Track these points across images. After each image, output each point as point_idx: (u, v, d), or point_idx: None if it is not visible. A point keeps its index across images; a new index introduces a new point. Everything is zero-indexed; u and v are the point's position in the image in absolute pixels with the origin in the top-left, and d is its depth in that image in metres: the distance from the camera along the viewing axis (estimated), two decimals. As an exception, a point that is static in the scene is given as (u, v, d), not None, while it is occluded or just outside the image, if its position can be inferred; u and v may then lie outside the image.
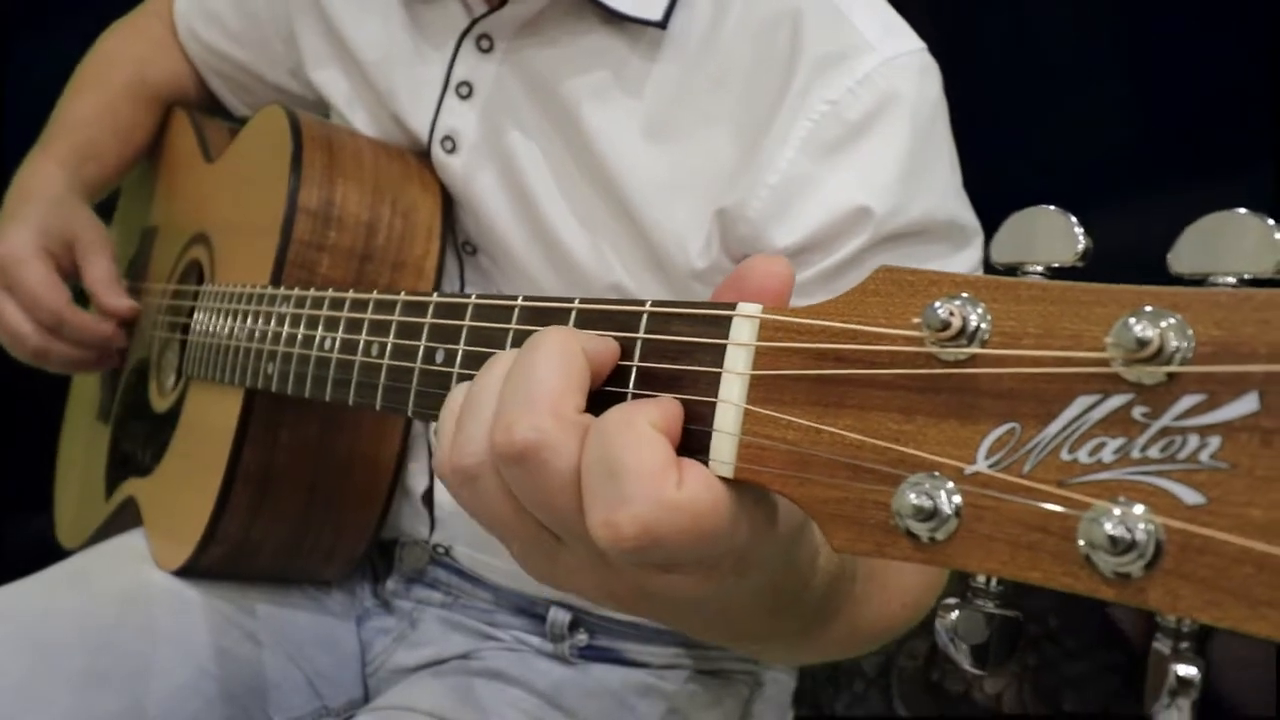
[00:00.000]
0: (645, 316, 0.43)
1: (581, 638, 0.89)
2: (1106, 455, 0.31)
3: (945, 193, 0.77)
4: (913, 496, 0.33)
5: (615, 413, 0.39)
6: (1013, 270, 0.35)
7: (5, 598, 0.84)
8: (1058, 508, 0.31)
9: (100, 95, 1.07)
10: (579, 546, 0.41)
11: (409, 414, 0.57)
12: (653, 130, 0.79)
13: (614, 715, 0.88)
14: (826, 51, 0.74)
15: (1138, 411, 0.30)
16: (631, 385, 0.43)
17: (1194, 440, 0.29)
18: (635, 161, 0.79)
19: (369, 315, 0.62)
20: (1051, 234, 0.35)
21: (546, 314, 0.47)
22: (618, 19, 0.78)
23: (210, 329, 0.84)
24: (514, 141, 0.84)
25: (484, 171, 0.85)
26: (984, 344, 0.34)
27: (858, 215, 0.73)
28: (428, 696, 0.85)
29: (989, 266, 0.38)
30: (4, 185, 1.02)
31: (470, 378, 0.44)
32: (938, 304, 0.34)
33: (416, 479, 0.90)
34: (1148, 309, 0.31)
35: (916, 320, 0.35)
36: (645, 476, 0.37)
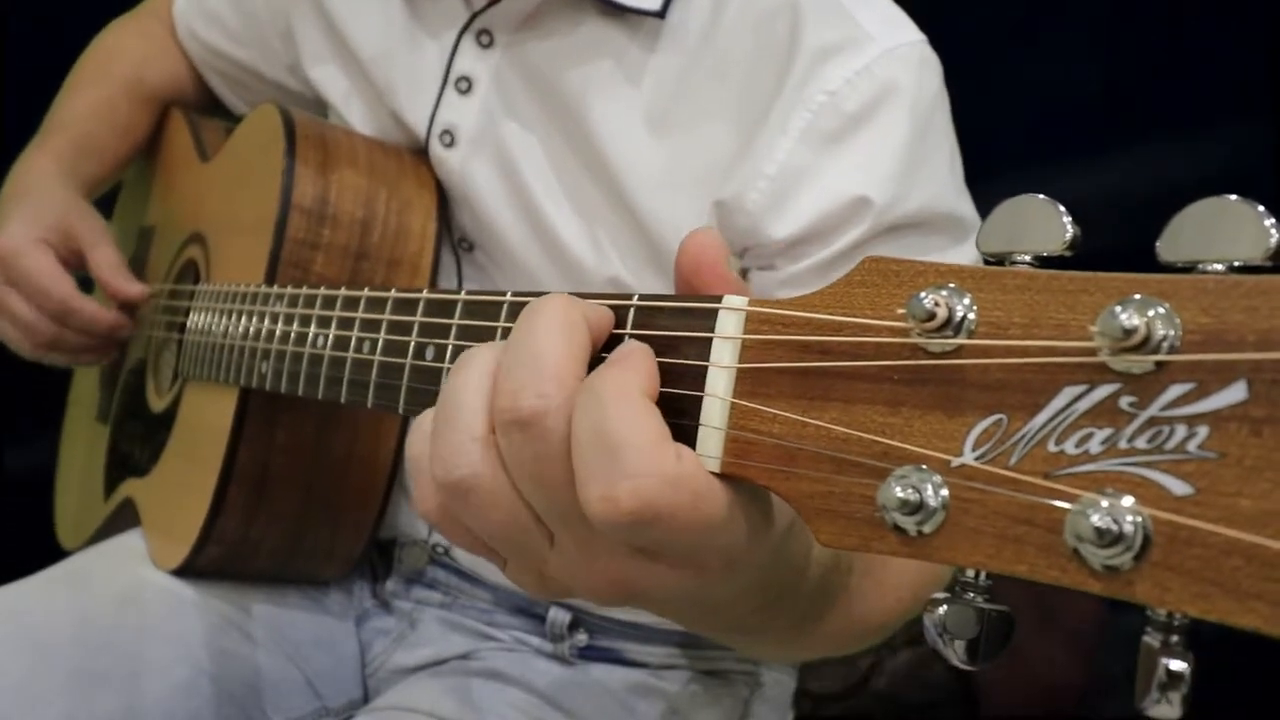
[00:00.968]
0: (632, 310, 0.43)
1: (581, 638, 0.89)
2: (1094, 446, 0.30)
3: (945, 185, 0.77)
4: (898, 489, 0.33)
5: (608, 380, 0.38)
6: (1001, 260, 0.35)
7: (4, 598, 0.84)
8: (1044, 500, 0.31)
9: (99, 92, 1.07)
10: (567, 537, 0.41)
11: (400, 411, 0.56)
12: (653, 122, 0.79)
13: (614, 715, 0.87)
14: (825, 42, 0.74)
15: (1125, 401, 0.30)
16: None
17: (1182, 430, 0.29)
18: (635, 153, 0.79)
19: (360, 313, 0.61)
20: (1039, 222, 0.34)
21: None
22: (616, 10, 0.78)
23: (205, 328, 0.83)
24: (513, 135, 0.84)
25: (483, 165, 0.85)
26: (970, 334, 0.33)
27: (856, 205, 0.72)
28: (427, 697, 0.85)
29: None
30: (1, 180, 1.02)
31: None
32: (923, 294, 0.33)
33: (415, 478, 0.89)
34: (1135, 297, 0.30)
35: (901, 311, 0.34)
36: (646, 450, 0.36)
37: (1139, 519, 0.29)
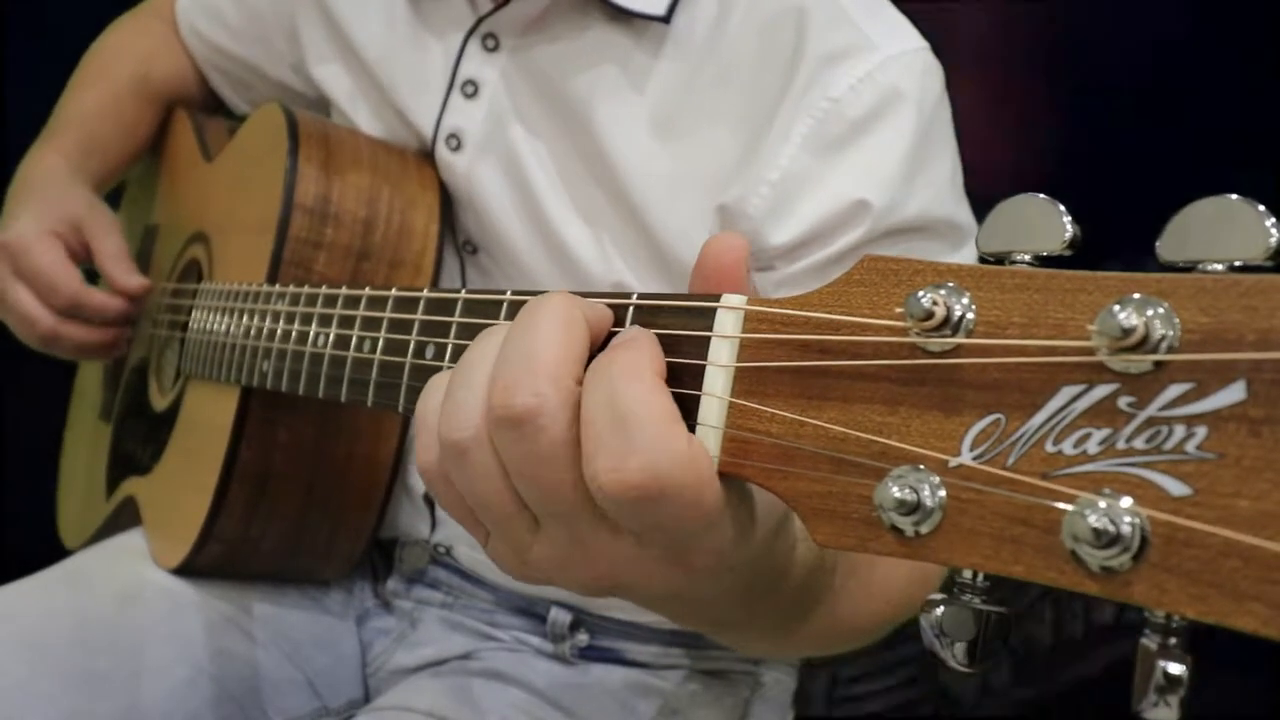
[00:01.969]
0: (631, 309, 0.43)
1: (582, 638, 0.89)
2: (1092, 447, 0.30)
3: (944, 191, 0.77)
4: (895, 489, 0.33)
5: (620, 359, 0.38)
6: (1001, 259, 0.34)
7: (4, 598, 0.84)
8: (1042, 500, 0.31)
9: (105, 90, 1.07)
10: (556, 528, 0.40)
11: (399, 410, 0.56)
12: (657, 126, 0.79)
13: (614, 715, 0.87)
14: (829, 49, 0.74)
15: (1123, 401, 0.30)
16: None
17: (1180, 430, 0.29)
18: (641, 157, 0.79)
19: (361, 311, 0.61)
20: (1038, 222, 0.34)
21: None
22: (622, 16, 0.79)
23: (207, 327, 0.83)
24: (519, 139, 0.84)
25: (488, 169, 0.85)
26: (969, 334, 0.33)
27: (856, 209, 0.73)
28: (428, 697, 0.85)
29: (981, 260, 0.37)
30: (5, 182, 1.02)
31: None
32: (921, 293, 0.33)
33: (417, 478, 0.89)
34: (1135, 296, 0.30)
35: (900, 310, 0.34)
36: (658, 426, 0.36)
37: (1136, 520, 0.29)
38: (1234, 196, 0.30)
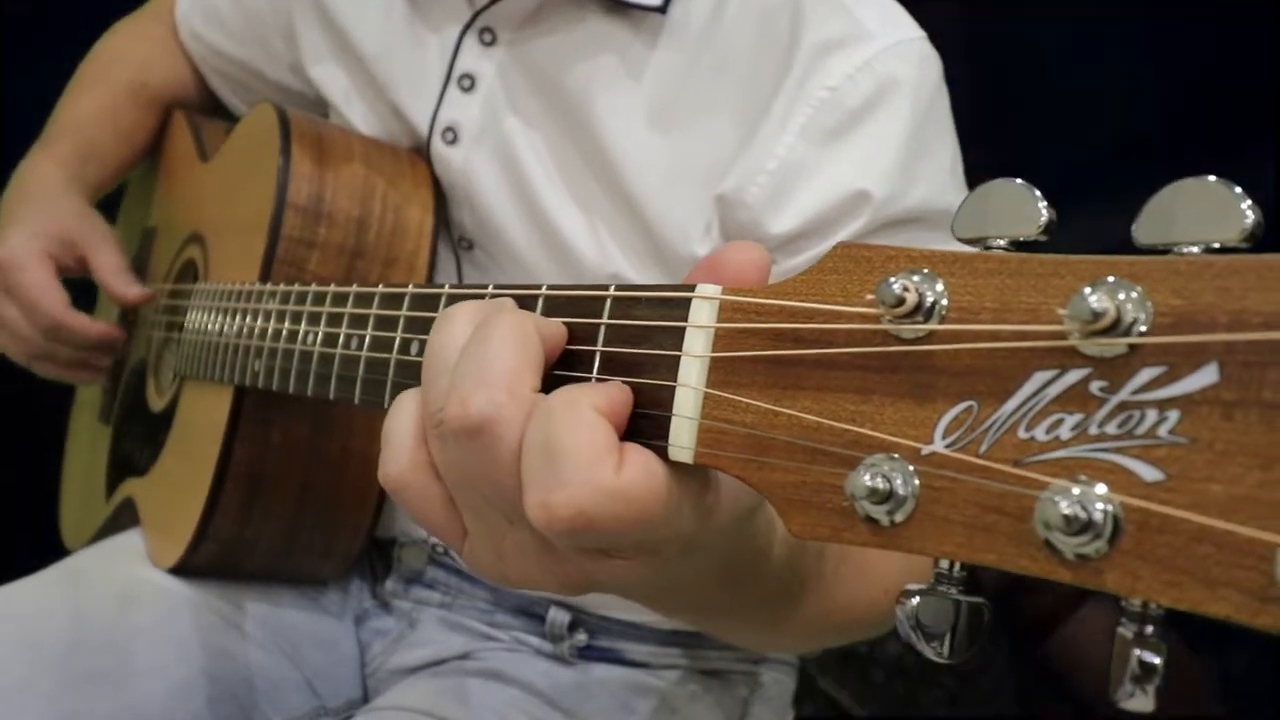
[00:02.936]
0: (609, 301, 0.42)
1: (581, 638, 0.88)
2: (1064, 432, 0.30)
3: (944, 181, 0.76)
4: (867, 478, 0.32)
5: (561, 394, 0.38)
6: (976, 245, 0.34)
7: (2, 597, 0.84)
8: (1014, 488, 0.30)
9: (102, 96, 1.07)
10: (524, 530, 0.40)
11: (385, 406, 0.56)
12: (655, 117, 0.79)
13: (613, 715, 0.87)
14: (826, 38, 0.74)
15: (1095, 386, 0.29)
16: (595, 370, 0.42)
17: (1153, 414, 0.28)
18: (638, 149, 0.79)
19: (348, 309, 0.61)
20: (1013, 206, 0.33)
21: (516, 301, 0.46)
22: (619, 7, 0.79)
23: (201, 327, 0.83)
24: (516, 132, 0.84)
25: (485, 162, 0.85)
26: (941, 320, 0.32)
27: (856, 200, 0.72)
28: (426, 697, 0.85)
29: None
30: (2, 185, 1.02)
31: None
32: (893, 280, 0.33)
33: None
34: (1108, 280, 0.29)
35: (871, 297, 0.34)
36: (583, 460, 0.36)
37: (1109, 507, 0.28)
38: (1211, 178, 0.30)
